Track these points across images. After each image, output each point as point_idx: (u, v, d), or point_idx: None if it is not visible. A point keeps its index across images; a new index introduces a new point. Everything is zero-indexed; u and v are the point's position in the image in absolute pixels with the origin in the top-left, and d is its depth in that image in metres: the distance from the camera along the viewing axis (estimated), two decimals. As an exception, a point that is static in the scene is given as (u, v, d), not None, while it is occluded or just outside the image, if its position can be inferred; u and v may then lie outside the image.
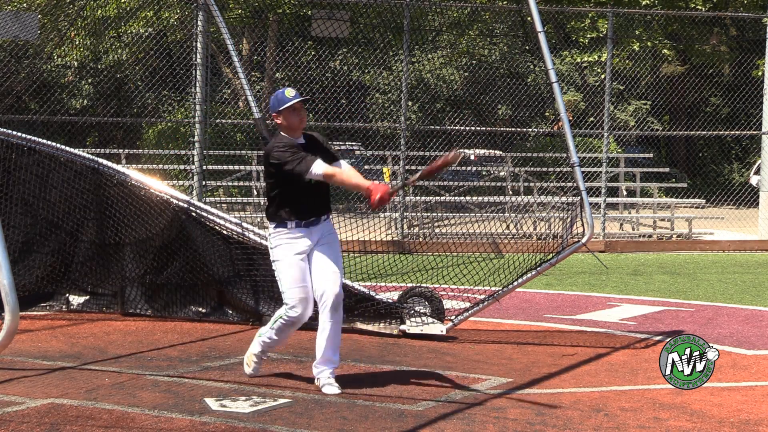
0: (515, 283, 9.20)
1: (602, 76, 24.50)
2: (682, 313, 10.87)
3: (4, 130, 9.79)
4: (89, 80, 25.10)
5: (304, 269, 7.05)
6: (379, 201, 7.02)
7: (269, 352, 7.45)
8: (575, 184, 9.09)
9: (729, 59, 30.04)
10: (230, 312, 9.53)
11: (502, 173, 20.79)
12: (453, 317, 9.21)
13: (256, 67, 26.69)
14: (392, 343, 8.79)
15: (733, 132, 22.78)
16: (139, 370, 7.52)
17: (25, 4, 17.68)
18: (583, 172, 9.30)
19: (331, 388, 6.98)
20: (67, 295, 9.79)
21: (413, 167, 19.37)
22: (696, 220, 19.58)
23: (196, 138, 14.50)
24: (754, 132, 20.39)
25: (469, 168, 21.88)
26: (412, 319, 9.04)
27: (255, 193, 19.25)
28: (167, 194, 9.58)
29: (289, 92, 7.11)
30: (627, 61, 27.27)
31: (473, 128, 20.75)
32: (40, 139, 9.82)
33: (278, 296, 9.15)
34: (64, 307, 9.76)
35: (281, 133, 7.18)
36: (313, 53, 23.84)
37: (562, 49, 28.57)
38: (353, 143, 23.83)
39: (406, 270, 13.38)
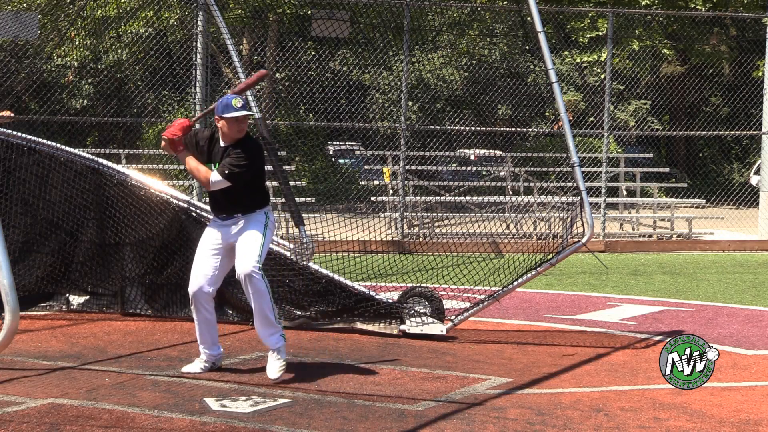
0: (515, 283, 9.20)
1: (602, 76, 24.51)
2: (682, 313, 10.87)
3: (4, 130, 9.79)
4: (89, 80, 25.10)
5: (210, 257, 7.43)
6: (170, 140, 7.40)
7: (205, 345, 7.58)
8: (575, 184, 9.09)
9: (729, 59, 30.03)
10: (230, 312, 9.52)
11: (502, 173, 20.79)
12: (453, 317, 9.21)
13: (256, 67, 26.67)
14: (392, 343, 8.79)
15: (733, 132, 22.78)
16: (139, 370, 7.52)
17: (25, 4, 17.68)
18: (583, 172, 9.30)
19: (271, 371, 7.30)
20: (67, 295, 9.78)
21: (413, 167, 19.38)
22: (696, 220, 19.57)
23: (196, 138, 14.44)
24: (754, 132, 20.39)
25: (469, 168, 21.88)
26: (412, 319, 9.04)
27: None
28: (167, 194, 9.58)
29: (237, 102, 7.32)
30: (627, 61, 27.27)
31: (473, 128, 20.75)
32: (40, 139, 9.81)
33: (277, 296, 9.19)
34: (64, 307, 9.76)
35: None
36: (313, 53, 23.83)
37: (562, 49, 28.56)
38: (353, 143, 23.85)
39: (406, 270, 13.38)
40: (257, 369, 7.74)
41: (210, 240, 7.51)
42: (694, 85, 24.31)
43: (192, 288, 7.48)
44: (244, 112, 7.30)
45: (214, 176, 7.29)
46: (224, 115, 7.30)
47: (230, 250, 7.46)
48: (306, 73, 23.53)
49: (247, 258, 7.28)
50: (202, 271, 7.45)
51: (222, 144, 7.40)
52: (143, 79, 21.89)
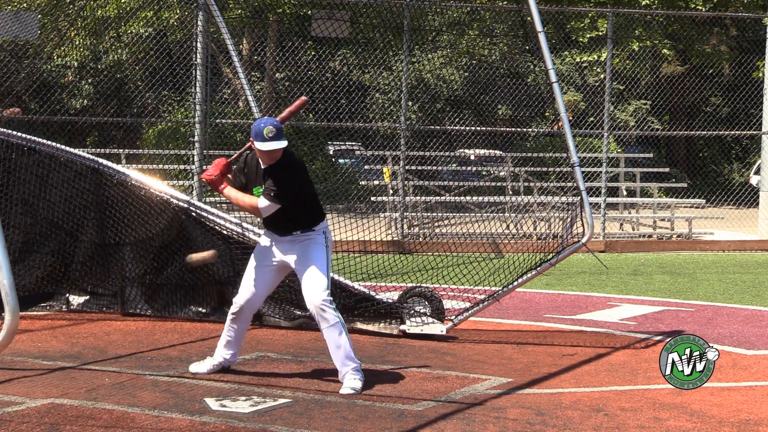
0: (515, 283, 9.20)
1: (602, 76, 24.50)
2: (682, 313, 10.87)
3: (4, 130, 9.79)
4: (89, 80, 25.09)
5: (264, 273, 7.35)
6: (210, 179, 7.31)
7: (227, 350, 7.54)
8: (575, 184, 9.09)
9: (729, 59, 30.02)
10: (230, 312, 9.51)
11: (502, 173, 20.78)
12: (453, 317, 9.21)
13: (256, 67, 26.69)
14: (392, 343, 8.79)
15: (733, 132, 22.77)
16: (139, 370, 7.52)
17: (25, 4, 17.67)
18: (583, 172, 9.31)
19: (344, 389, 7.07)
20: (67, 295, 9.78)
21: (413, 167, 19.38)
22: (696, 220, 19.57)
23: (196, 138, 14.50)
24: (754, 132, 20.39)
25: (469, 168, 21.88)
26: (412, 319, 9.04)
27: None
28: (167, 194, 9.58)
29: (268, 132, 7.09)
30: (627, 61, 27.26)
31: (473, 128, 20.75)
32: (40, 139, 9.81)
33: (277, 296, 9.19)
34: (64, 307, 9.76)
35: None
36: (313, 53, 23.83)
37: (562, 49, 28.56)
38: (353, 143, 23.85)
39: (406, 270, 13.37)
40: (257, 369, 7.75)
41: (265, 254, 7.39)
42: (694, 85, 24.29)
43: (241, 300, 7.39)
44: (272, 146, 7.08)
45: (261, 202, 7.16)
46: (255, 143, 7.15)
47: (284, 268, 7.39)
48: (306, 73, 23.53)
49: (316, 290, 7.15)
50: (255, 286, 7.36)
51: (262, 166, 7.25)
52: (143, 79, 21.89)
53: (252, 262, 7.43)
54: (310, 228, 7.30)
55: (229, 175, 7.38)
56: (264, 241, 7.46)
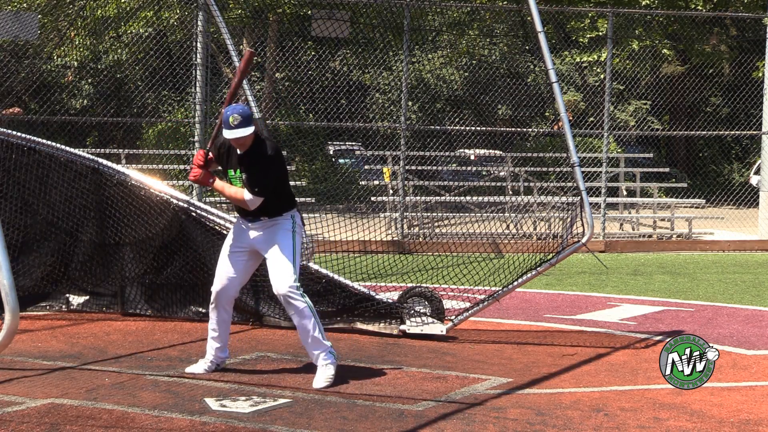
0: (515, 283, 9.20)
1: (602, 76, 24.49)
2: (682, 313, 10.87)
3: (4, 130, 9.79)
4: (89, 80, 25.08)
5: (235, 260, 7.41)
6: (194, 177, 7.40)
7: (215, 343, 7.56)
8: (575, 184, 9.09)
9: (729, 59, 30.01)
10: (230, 312, 9.51)
11: (502, 173, 20.78)
12: (453, 317, 9.21)
13: (256, 67, 26.67)
14: (392, 343, 8.79)
15: (733, 132, 22.77)
16: (139, 370, 7.52)
17: (25, 4, 17.68)
18: (583, 172, 9.30)
19: (317, 381, 7.17)
20: (67, 295, 9.78)
21: (413, 167, 19.38)
22: (696, 220, 19.57)
23: (196, 138, 14.50)
24: (754, 132, 20.38)
25: (469, 168, 21.88)
26: (412, 319, 9.04)
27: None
28: (167, 194, 9.57)
29: (233, 120, 7.09)
30: (627, 61, 27.26)
31: (473, 128, 20.74)
32: (40, 139, 9.81)
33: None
34: (64, 307, 9.76)
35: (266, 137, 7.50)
36: (313, 53, 23.84)
37: (562, 49, 28.55)
38: (353, 143, 23.85)
39: (406, 270, 13.37)
40: (257, 369, 7.75)
41: (235, 241, 7.44)
42: (694, 85, 24.28)
43: (216, 288, 7.45)
44: (237, 134, 7.08)
45: (247, 195, 7.20)
46: (223, 131, 7.18)
47: (255, 254, 7.42)
48: (306, 73, 23.54)
49: (283, 277, 7.20)
50: (227, 273, 7.42)
51: (239, 151, 7.28)
52: (143, 79, 21.88)
53: (224, 249, 7.50)
54: (279, 214, 7.33)
55: (211, 155, 7.41)
56: (236, 227, 7.53)
